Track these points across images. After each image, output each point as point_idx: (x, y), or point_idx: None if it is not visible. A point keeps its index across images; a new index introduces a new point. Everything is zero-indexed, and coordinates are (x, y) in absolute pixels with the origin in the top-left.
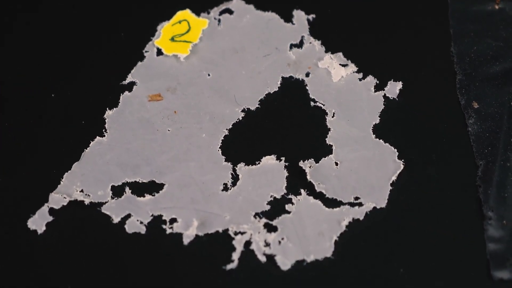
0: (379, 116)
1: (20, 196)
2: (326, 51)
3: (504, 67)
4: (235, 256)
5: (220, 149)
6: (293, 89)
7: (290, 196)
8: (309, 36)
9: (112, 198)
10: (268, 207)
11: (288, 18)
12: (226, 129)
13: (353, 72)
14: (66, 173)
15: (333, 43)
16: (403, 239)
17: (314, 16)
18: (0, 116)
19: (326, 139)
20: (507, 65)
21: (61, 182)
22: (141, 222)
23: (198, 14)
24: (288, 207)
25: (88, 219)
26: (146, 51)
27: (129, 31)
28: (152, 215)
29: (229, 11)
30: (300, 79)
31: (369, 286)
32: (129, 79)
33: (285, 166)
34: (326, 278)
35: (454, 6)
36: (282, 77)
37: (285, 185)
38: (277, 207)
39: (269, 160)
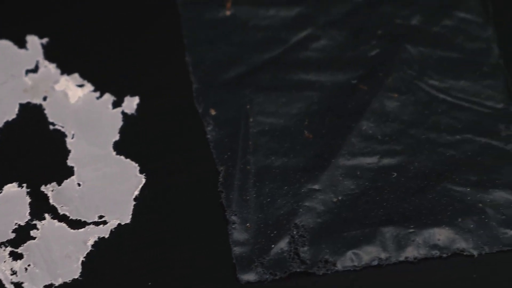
0: (118, 133)
1: None
2: (62, 73)
3: (238, 71)
4: None
5: None
6: (31, 115)
7: (34, 222)
8: (44, 60)
9: None
10: (13, 235)
11: (21, 44)
12: None
13: (90, 92)
14: None
15: (68, 64)
16: (150, 252)
17: (47, 39)
18: None
19: (67, 161)
20: (242, 69)
21: None
22: None
23: None
24: (33, 233)
25: None
26: None
27: None
28: None
29: None
30: (38, 104)
31: None
32: None
33: (27, 192)
34: None
35: (186, 15)
36: (20, 104)
37: (29, 211)
38: (22, 234)
39: (10, 188)
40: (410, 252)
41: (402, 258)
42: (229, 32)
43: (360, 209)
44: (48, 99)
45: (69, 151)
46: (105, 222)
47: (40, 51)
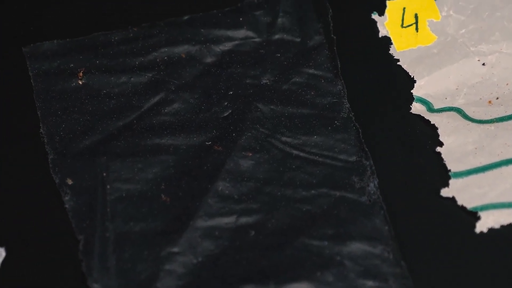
0: None
1: None
2: None
3: (93, 140)
4: None
5: None
6: None
7: None
8: None
9: None
10: None
11: None
12: None
13: None
14: None
15: None
16: None
17: None
18: None
19: None
20: (96, 137)
21: None
22: None
23: None
24: None
25: None
26: None
27: None
28: None
29: None
30: None
31: None
32: None
33: None
34: None
35: (38, 87)
36: None
37: None
38: None
39: None
40: None
41: None
42: (82, 101)
43: (220, 269)
44: None
45: None
46: None
47: None
